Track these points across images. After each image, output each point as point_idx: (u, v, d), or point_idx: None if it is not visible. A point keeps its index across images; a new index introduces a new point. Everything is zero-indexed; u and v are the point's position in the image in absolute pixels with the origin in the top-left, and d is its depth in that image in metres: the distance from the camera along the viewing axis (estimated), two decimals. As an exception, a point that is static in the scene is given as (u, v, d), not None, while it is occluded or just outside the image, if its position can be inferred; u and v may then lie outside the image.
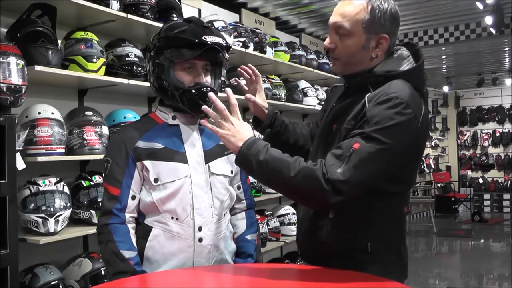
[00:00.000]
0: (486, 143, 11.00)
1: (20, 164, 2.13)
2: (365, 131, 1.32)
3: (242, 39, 3.59)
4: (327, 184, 1.27)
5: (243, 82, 1.85)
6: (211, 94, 1.48)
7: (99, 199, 2.47)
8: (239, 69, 1.80)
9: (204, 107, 1.46)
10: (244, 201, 1.85)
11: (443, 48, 6.88)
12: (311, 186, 1.30)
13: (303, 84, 4.49)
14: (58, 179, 2.40)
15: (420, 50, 1.51)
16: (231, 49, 1.75)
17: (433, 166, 10.67)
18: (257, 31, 3.91)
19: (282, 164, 1.32)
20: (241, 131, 1.40)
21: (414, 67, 1.46)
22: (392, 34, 1.46)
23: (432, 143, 10.96)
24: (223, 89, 3.09)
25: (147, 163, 1.61)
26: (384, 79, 1.43)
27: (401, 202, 1.50)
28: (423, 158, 10.44)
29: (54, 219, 2.28)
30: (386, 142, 1.30)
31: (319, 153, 1.53)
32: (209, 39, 1.59)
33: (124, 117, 2.74)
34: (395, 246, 1.49)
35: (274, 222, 3.84)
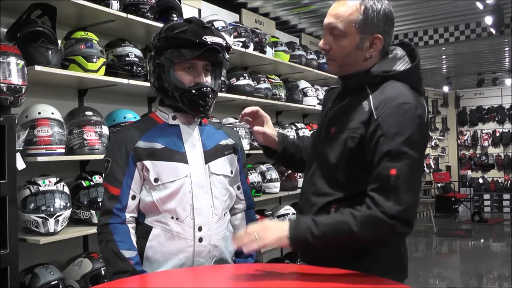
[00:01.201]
0: (486, 143, 11.01)
1: (20, 164, 2.13)
2: (390, 149, 1.32)
3: (242, 39, 3.59)
4: (391, 220, 1.30)
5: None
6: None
7: (99, 199, 2.47)
8: (241, 116, 1.79)
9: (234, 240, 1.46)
10: (244, 201, 1.85)
11: (443, 48, 6.89)
12: (380, 231, 1.33)
13: (303, 84, 4.49)
14: (58, 179, 2.40)
15: (415, 49, 1.52)
16: (231, 49, 1.75)
17: (433, 166, 10.67)
18: (257, 31, 3.91)
19: (340, 225, 1.33)
20: (270, 225, 1.41)
21: (411, 67, 1.47)
22: (386, 34, 1.46)
23: (432, 143, 10.96)
24: (223, 89, 3.09)
25: (147, 163, 1.61)
26: (381, 79, 1.44)
27: None
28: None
29: (54, 219, 2.28)
30: (413, 154, 1.33)
31: (317, 155, 1.54)
32: (209, 39, 1.59)
33: (124, 117, 2.74)
34: (396, 246, 1.50)
35: (274, 222, 3.84)
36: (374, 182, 1.35)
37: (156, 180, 1.61)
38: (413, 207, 1.32)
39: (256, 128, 1.74)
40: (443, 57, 7.79)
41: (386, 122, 1.35)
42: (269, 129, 1.76)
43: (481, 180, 10.89)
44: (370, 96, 1.42)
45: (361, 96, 1.44)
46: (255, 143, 3.58)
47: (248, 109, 1.76)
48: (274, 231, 1.38)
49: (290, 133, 4.13)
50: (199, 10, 3.71)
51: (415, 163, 1.34)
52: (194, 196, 1.63)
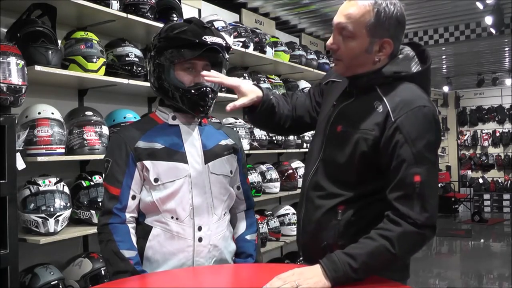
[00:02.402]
0: (486, 143, 11.01)
1: (20, 164, 2.13)
2: (413, 155, 1.31)
3: (242, 39, 3.59)
4: (422, 230, 1.30)
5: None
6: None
7: (99, 199, 2.47)
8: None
9: None
10: (244, 201, 1.85)
11: (443, 48, 6.88)
12: (416, 244, 1.35)
13: (303, 84, 4.49)
14: (58, 179, 2.40)
15: (426, 51, 1.49)
16: (231, 49, 1.75)
17: (433, 166, 10.66)
18: (257, 31, 3.91)
19: (378, 252, 1.30)
20: (306, 272, 1.30)
21: (424, 70, 1.45)
22: (396, 38, 1.43)
23: (432, 143, 10.95)
24: (223, 90, 3.08)
25: (147, 163, 1.61)
26: (392, 80, 1.42)
27: None
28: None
29: (54, 219, 2.28)
30: (433, 158, 1.34)
31: (322, 153, 1.51)
32: (209, 39, 1.59)
33: (124, 117, 2.74)
34: None
35: (274, 222, 3.84)
36: (397, 190, 1.32)
37: (156, 180, 1.61)
38: (437, 211, 1.34)
39: (229, 105, 1.61)
40: (443, 57, 7.78)
41: (405, 126, 1.32)
42: (248, 90, 1.66)
43: (481, 180, 10.89)
44: (384, 98, 1.39)
45: (371, 96, 1.41)
46: (255, 143, 3.58)
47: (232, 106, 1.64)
48: (311, 274, 1.29)
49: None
50: (199, 10, 3.71)
51: (434, 167, 1.35)
52: (194, 196, 1.63)
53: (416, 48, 1.50)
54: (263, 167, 3.89)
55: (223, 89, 3.26)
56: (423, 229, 1.30)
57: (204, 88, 1.63)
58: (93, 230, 2.34)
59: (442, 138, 11.23)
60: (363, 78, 1.46)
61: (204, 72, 1.60)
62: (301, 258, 1.64)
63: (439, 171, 1.41)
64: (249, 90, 1.67)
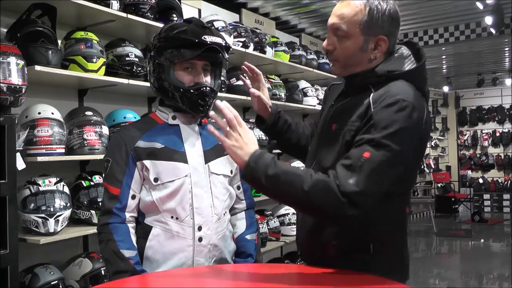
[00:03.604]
0: (486, 143, 11.01)
1: (20, 164, 2.13)
2: (374, 138, 1.28)
3: (242, 39, 3.59)
4: (342, 196, 1.24)
5: (247, 81, 1.82)
6: (219, 103, 1.38)
7: (99, 199, 2.47)
8: (242, 66, 1.78)
9: (212, 113, 1.39)
10: (244, 201, 1.85)
11: (443, 48, 6.88)
12: (326, 200, 1.26)
13: (303, 84, 4.49)
14: (58, 179, 2.40)
15: (421, 49, 1.50)
16: (231, 49, 1.75)
17: (433, 166, 10.67)
18: (257, 31, 3.91)
19: (294, 177, 1.28)
20: (248, 143, 1.34)
21: (416, 67, 1.45)
22: (391, 35, 1.44)
23: (432, 143, 10.96)
24: (223, 89, 3.09)
25: (147, 162, 1.61)
26: (386, 79, 1.42)
27: (403, 202, 1.50)
28: (423, 158, 10.45)
29: (54, 219, 2.28)
30: (396, 148, 1.27)
31: (318, 152, 1.52)
32: (208, 39, 1.59)
33: (124, 117, 2.74)
34: (397, 246, 1.49)
35: (274, 222, 3.84)
36: (344, 159, 1.31)
37: (156, 179, 1.61)
38: (372, 196, 1.26)
39: (252, 90, 1.70)
40: (443, 57, 7.79)
41: (378, 114, 1.32)
42: (264, 96, 1.74)
43: (481, 180, 10.89)
44: (373, 93, 1.40)
45: (364, 95, 1.42)
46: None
47: (251, 65, 1.74)
48: (246, 148, 1.32)
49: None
50: (199, 10, 3.71)
51: (395, 157, 1.28)
52: (194, 196, 1.63)
53: (412, 47, 1.51)
54: (263, 167, 3.88)
55: (223, 89, 3.26)
56: (344, 198, 1.24)
57: (204, 88, 1.63)
58: (93, 230, 2.33)
59: (442, 138, 11.24)
60: (358, 77, 1.47)
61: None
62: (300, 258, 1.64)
63: (404, 167, 1.31)
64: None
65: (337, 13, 1.44)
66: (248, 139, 1.35)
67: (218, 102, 1.39)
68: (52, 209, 2.29)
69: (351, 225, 1.39)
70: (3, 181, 2.02)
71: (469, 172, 11.15)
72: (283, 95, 4.04)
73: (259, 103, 1.73)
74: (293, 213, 4.01)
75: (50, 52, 2.29)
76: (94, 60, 2.49)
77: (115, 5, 2.61)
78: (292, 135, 1.75)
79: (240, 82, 3.54)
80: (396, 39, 1.48)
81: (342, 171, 1.27)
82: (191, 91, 1.62)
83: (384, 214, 1.41)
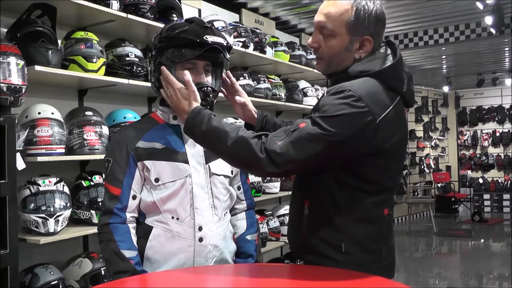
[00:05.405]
0: (486, 143, 11.01)
1: (20, 164, 2.13)
2: (312, 116, 1.36)
3: (242, 39, 3.59)
4: (262, 153, 1.34)
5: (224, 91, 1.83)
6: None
7: (99, 199, 2.47)
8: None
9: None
10: (244, 201, 1.85)
11: (443, 48, 6.89)
12: (245, 155, 1.37)
13: (303, 84, 4.49)
14: (58, 179, 2.40)
15: (397, 48, 1.50)
16: (231, 49, 1.75)
17: (433, 166, 10.67)
18: (257, 31, 3.91)
19: (221, 134, 1.39)
20: (189, 99, 1.50)
21: (387, 67, 1.44)
22: (376, 35, 1.45)
23: (432, 143, 10.97)
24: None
25: (147, 163, 1.61)
26: (357, 78, 1.42)
27: (378, 203, 1.45)
28: (423, 158, 10.45)
29: (54, 219, 2.28)
30: (327, 129, 1.31)
31: None
32: (210, 39, 1.59)
33: (124, 117, 2.74)
34: (372, 247, 1.45)
35: (274, 222, 3.84)
36: (284, 126, 1.39)
37: (156, 180, 1.61)
38: (288, 160, 1.33)
39: (238, 98, 1.74)
40: (443, 57, 7.79)
41: (324, 100, 1.39)
42: (249, 102, 1.76)
43: (481, 180, 10.89)
44: None
45: None
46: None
47: (228, 74, 1.76)
48: (183, 102, 1.50)
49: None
50: (199, 10, 3.71)
51: (322, 137, 1.31)
52: (194, 196, 1.63)
53: (391, 46, 1.51)
54: (263, 167, 3.88)
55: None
56: (263, 153, 1.34)
57: (205, 88, 1.63)
58: (93, 230, 2.34)
59: (442, 138, 11.24)
60: (333, 77, 1.50)
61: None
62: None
63: (330, 149, 1.32)
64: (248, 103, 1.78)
65: (324, 11, 1.46)
66: (188, 95, 1.51)
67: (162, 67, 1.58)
68: (52, 209, 2.29)
69: (323, 224, 1.43)
70: (3, 181, 2.02)
71: (469, 172, 11.15)
72: (283, 95, 4.04)
73: (245, 110, 1.75)
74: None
75: (50, 52, 2.29)
76: (94, 60, 2.49)
77: (115, 5, 2.60)
78: None
79: (240, 82, 3.54)
80: (381, 40, 1.49)
81: (278, 132, 1.39)
82: (192, 91, 1.62)
83: (355, 214, 1.42)
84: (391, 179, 1.48)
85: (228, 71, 1.76)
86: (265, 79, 3.90)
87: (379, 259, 1.47)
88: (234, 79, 1.78)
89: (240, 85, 1.79)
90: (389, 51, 1.49)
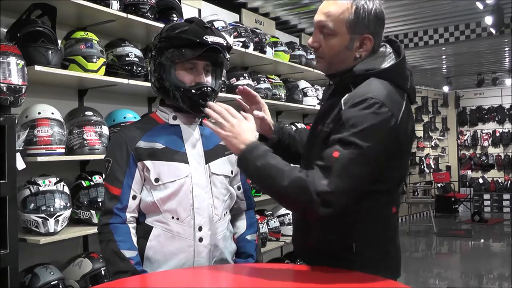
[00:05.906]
0: (486, 143, 11.01)
1: (20, 164, 2.13)
2: (342, 137, 1.31)
3: (242, 39, 3.59)
4: (316, 195, 1.28)
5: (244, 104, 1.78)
6: (209, 103, 1.51)
7: (99, 199, 2.47)
8: (237, 90, 1.74)
9: (206, 109, 1.48)
10: (244, 201, 1.85)
11: (443, 48, 6.88)
12: (301, 197, 1.30)
13: (303, 84, 4.49)
14: (58, 179, 2.40)
15: (400, 46, 1.50)
16: (231, 49, 1.75)
17: (433, 166, 10.67)
18: (257, 31, 3.91)
19: (277, 172, 1.33)
20: (242, 133, 1.42)
21: (393, 65, 1.45)
22: (376, 34, 1.45)
23: (432, 143, 10.97)
24: (223, 89, 3.07)
25: (148, 163, 1.61)
26: (363, 77, 1.42)
27: (388, 202, 1.47)
28: (423, 158, 10.46)
29: (54, 219, 2.28)
30: (364, 146, 1.29)
31: (307, 153, 1.55)
32: (210, 39, 1.59)
33: (124, 117, 2.74)
34: (382, 246, 1.47)
35: (274, 222, 3.84)
36: (319, 159, 1.34)
37: (156, 180, 1.61)
38: (342, 194, 1.29)
39: (256, 112, 1.68)
40: (443, 57, 7.79)
41: (346, 113, 1.35)
42: (267, 116, 1.73)
43: (481, 180, 10.89)
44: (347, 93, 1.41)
45: (344, 95, 1.43)
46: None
47: (246, 89, 1.71)
48: (240, 137, 1.41)
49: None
50: (199, 10, 3.71)
51: (363, 155, 1.29)
52: (194, 196, 1.63)
53: (393, 44, 1.51)
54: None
55: (223, 89, 3.26)
56: (317, 197, 1.27)
57: (205, 88, 1.63)
58: (93, 230, 2.34)
59: (442, 138, 11.24)
60: (337, 77, 1.49)
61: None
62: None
63: (374, 162, 1.32)
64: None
65: (324, 10, 1.46)
66: (242, 129, 1.43)
67: (209, 102, 1.50)
68: (52, 209, 2.29)
69: (333, 225, 1.41)
70: (3, 181, 2.02)
71: (469, 172, 11.15)
72: (283, 95, 4.04)
73: (263, 124, 1.71)
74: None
75: (50, 52, 2.29)
76: (94, 60, 2.49)
77: (115, 5, 2.60)
78: (298, 147, 1.74)
79: (240, 82, 3.55)
80: (381, 38, 1.49)
81: (317, 172, 1.31)
82: (192, 91, 1.62)
83: (367, 213, 1.41)
84: (401, 177, 1.50)
85: (251, 89, 1.73)
86: (265, 79, 3.90)
87: (388, 258, 1.49)
88: (255, 93, 1.74)
89: (240, 85, 1.78)
90: (390, 50, 1.50)
